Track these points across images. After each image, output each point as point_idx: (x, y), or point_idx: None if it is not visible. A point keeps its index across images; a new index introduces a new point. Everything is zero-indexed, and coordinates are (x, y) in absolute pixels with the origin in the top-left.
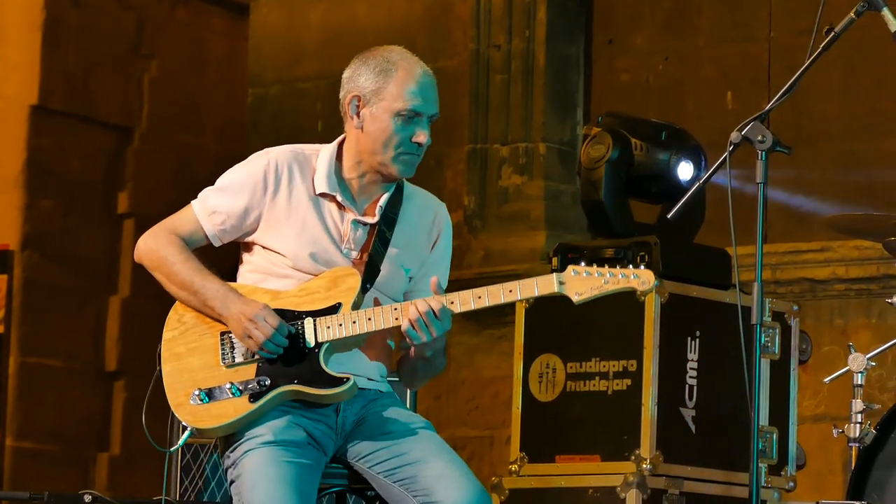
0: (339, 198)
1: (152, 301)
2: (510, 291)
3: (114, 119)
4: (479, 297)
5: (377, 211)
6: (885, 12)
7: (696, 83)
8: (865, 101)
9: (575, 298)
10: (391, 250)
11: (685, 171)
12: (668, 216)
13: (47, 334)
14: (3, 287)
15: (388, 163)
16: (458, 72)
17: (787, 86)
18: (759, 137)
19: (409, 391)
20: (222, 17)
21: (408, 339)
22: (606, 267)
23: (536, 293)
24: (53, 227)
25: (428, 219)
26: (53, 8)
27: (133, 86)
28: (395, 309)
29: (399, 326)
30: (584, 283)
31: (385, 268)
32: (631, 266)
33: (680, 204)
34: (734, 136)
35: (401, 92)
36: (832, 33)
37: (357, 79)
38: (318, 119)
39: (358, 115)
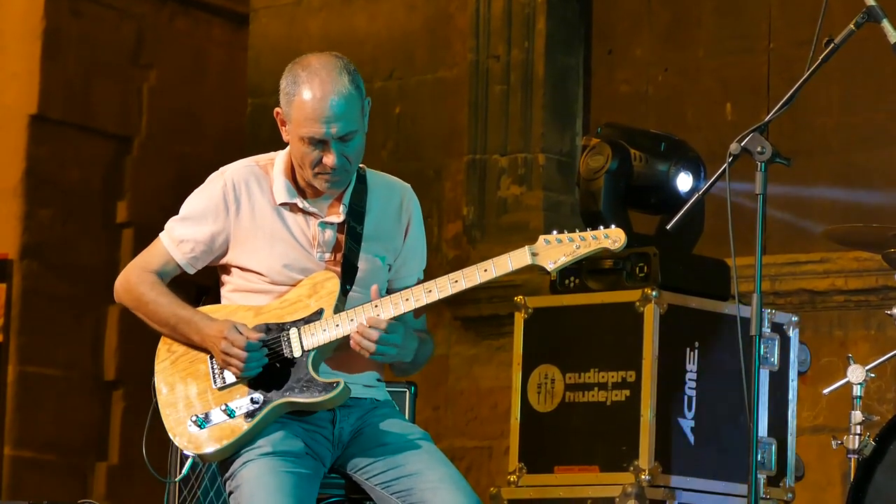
0: (300, 204)
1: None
2: (485, 271)
3: (113, 128)
4: (456, 282)
5: (341, 209)
6: (885, 24)
7: (695, 94)
8: (864, 113)
9: (550, 267)
10: (365, 245)
11: (684, 182)
12: (668, 227)
13: (46, 343)
14: (2, 296)
15: (311, 180)
16: (457, 82)
17: (786, 97)
18: (759, 148)
19: (407, 401)
20: (222, 27)
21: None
22: (577, 231)
23: (511, 268)
24: (52, 237)
25: (395, 204)
26: (53, 17)
27: (132, 95)
28: (376, 306)
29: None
30: (556, 250)
31: (362, 264)
32: (601, 227)
33: (679, 215)
34: (733, 147)
35: (300, 118)
36: (832, 45)
37: (280, 93)
38: None
39: (285, 128)
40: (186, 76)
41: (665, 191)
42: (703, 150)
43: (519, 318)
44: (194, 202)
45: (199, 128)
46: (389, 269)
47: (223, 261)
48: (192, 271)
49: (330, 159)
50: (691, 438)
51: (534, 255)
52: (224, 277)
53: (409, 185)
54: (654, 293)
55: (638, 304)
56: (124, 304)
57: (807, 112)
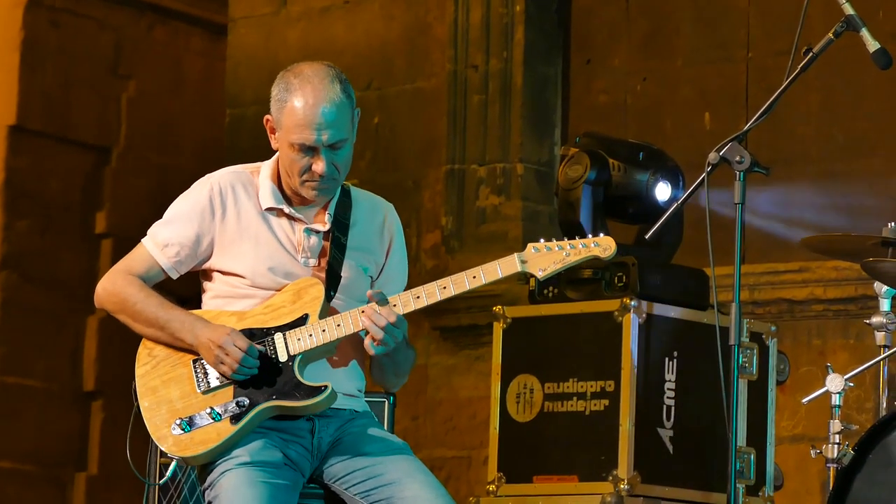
0: (286, 209)
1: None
2: (474, 277)
3: (92, 139)
4: (445, 288)
5: (327, 218)
6: (864, 33)
7: (674, 104)
8: (844, 122)
9: (539, 274)
10: (349, 254)
11: (663, 191)
12: (646, 236)
13: (25, 354)
14: None
15: (298, 188)
16: (435, 92)
17: (765, 106)
18: (738, 158)
19: (386, 410)
20: (200, 38)
21: (372, 356)
22: (566, 240)
23: (500, 275)
24: (31, 248)
25: (378, 221)
26: (32, 28)
27: (111, 106)
28: (363, 312)
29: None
30: (546, 258)
31: (346, 272)
32: (590, 235)
33: (658, 224)
34: (712, 156)
35: (291, 124)
36: (810, 54)
37: (270, 101)
38: None
39: (274, 136)
40: (165, 86)
41: (644, 200)
42: (682, 159)
43: (498, 328)
44: (180, 206)
45: (178, 138)
46: (371, 281)
47: (206, 265)
48: (175, 276)
49: (319, 166)
50: (670, 448)
51: (523, 262)
52: (206, 284)
53: (391, 205)
54: (632, 303)
55: (617, 313)
56: (105, 309)
57: (786, 121)
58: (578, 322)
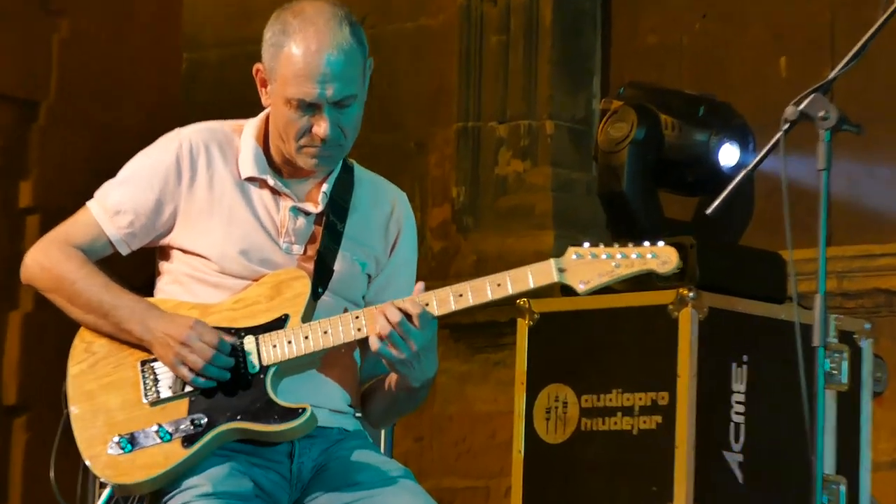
0: (271, 181)
1: (62, 317)
2: (499, 286)
3: (14, 90)
4: (461, 296)
5: (321, 197)
6: None
7: (741, 46)
8: None
9: (580, 288)
10: (345, 244)
11: (728, 155)
12: (708, 212)
13: None
14: None
15: (293, 154)
16: (443, 32)
17: (855, 49)
18: (821, 113)
19: (383, 430)
20: None
21: (384, 360)
22: (616, 246)
23: (531, 285)
24: None
25: (383, 211)
26: None
27: (39, 49)
28: (357, 317)
29: (363, 339)
30: (589, 268)
31: (339, 266)
32: (647, 243)
33: (722, 196)
34: (790, 111)
35: (288, 75)
36: None
37: (262, 45)
38: None
39: (266, 89)
40: (106, 26)
41: (704, 166)
42: (752, 115)
43: (522, 326)
44: (139, 164)
45: (123, 90)
46: (369, 280)
47: (165, 241)
48: (126, 251)
49: (322, 128)
50: (739, 476)
51: (561, 270)
52: (162, 265)
53: (403, 194)
54: (691, 294)
55: (671, 307)
56: (35, 286)
57: (881, 67)
58: (623, 318)
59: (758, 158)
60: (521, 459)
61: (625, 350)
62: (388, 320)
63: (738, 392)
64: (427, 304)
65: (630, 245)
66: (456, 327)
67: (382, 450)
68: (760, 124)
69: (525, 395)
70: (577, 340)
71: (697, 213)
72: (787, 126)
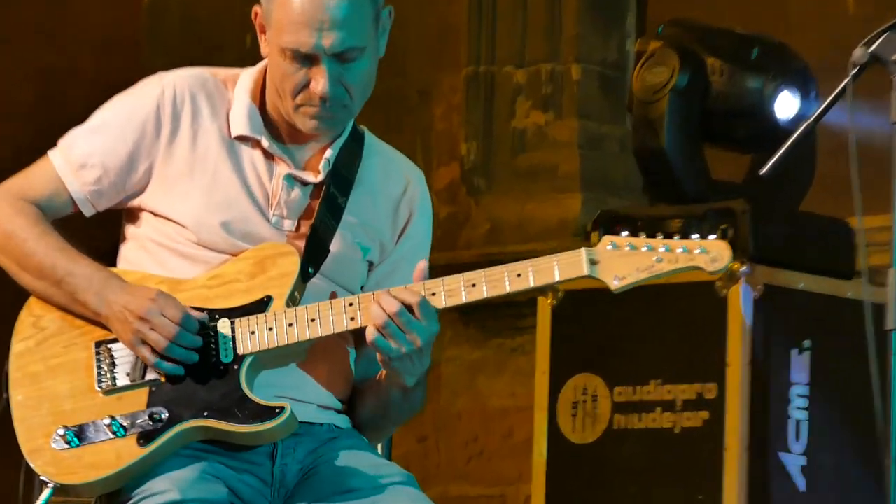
0: (265, 143)
1: (9, 283)
2: (518, 276)
3: None
4: (474, 286)
5: (322, 165)
6: None
7: None
8: None
9: (614, 285)
10: (345, 222)
11: (787, 104)
12: (762, 171)
13: None
14: None
15: (291, 114)
16: None
17: None
18: (895, 57)
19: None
20: None
21: (378, 355)
22: (660, 237)
23: (557, 277)
24: None
25: (395, 188)
26: None
27: None
28: (351, 304)
29: (355, 330)
30: (626, 261)
31: (337, 247)
32: (696, 236)
33: (779, 153)
34: (859, 54)
35: (284, 21)
36: None
37: None
38: (247, 31)
39: (264, 36)
40: None
41: (758, 118)
42: (814, 58)
43: (544, 306)
44: (113, 110)
45: (72, 28)
46: (370, 268)
47: (135, 202)
48: (90, 211)
49: (319, 84)
50: (800, 483)
51: (593, 262)
52: (129, 229)
53: (420, 171)
54: (743, 268)
55: (720, 284)
56: None
57: None
58: (664, 296)
59: (821, 109)
60: (542, 463)
61: (665, 334)
62: (383, 310)
63: (799, 384)
64: (433, 294)
65: (676, 237)
66: (465, 307)
67: (380, 451)
68: (824, 69)
69: (548, 386)
70: (608, 322)
71: (750, 174)
72: (855, 71)
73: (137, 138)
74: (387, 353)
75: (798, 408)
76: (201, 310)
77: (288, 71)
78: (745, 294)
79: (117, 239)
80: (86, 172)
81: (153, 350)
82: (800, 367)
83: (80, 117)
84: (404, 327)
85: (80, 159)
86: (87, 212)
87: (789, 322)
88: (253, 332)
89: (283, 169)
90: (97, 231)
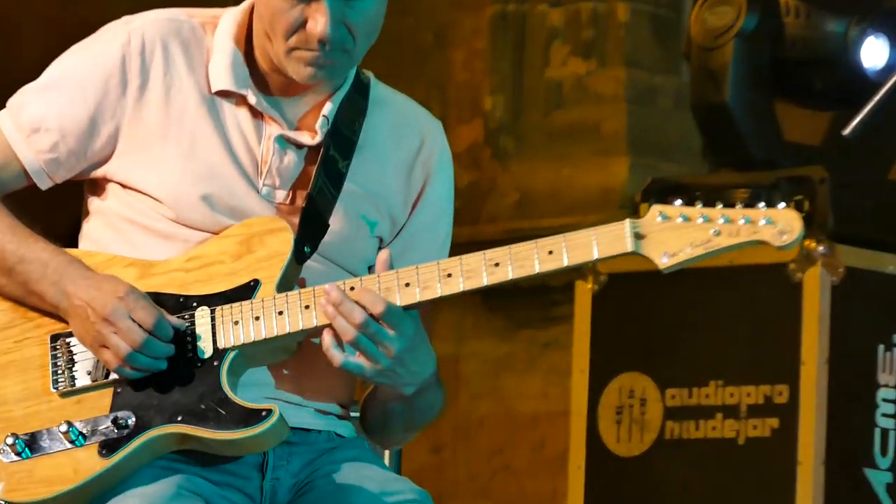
0: (251, 99)
1: None
2: (550, 253)
3: None
4: (497, 265)
5: (320, 124)
6: None
7: None
8: None
9: (662, 263)
10: (347, 190)
11: (875, 53)
12: (845, 132)
13: None
14: None
15: (282, 59)
16: None
17: None
18: None
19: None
20: None
21: (354, 373)
22: (720, 207)
23: (596, 255)
24: None
25: (408, 147)
26: None
27: None
28: (353, 288)
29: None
30: (678, 234)
31: (338, 222)
32: (763, 205)
33: (865, 110)
34: None
35: None
36: None
37: None
38: None
39: None
40: None
41: (840, 68)
42: None
43: (584, 292)
44: (70, 64)
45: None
46: (380, 243)
47: (99, 173)
48: (45, 184)
49: (319, 24)
50: (887, 503)
51: (638, 237)
52: (93, 202)
53: (438, 122)
54: (821, 248)
55: (793, 266)
56: None
57: None
58: (726, 281)
59: None
60: (580, 478)
61: (727, 326)
62: (349, 323)
63: (887, 386)
64: (449, 276)
65: (738, 206)
66: (490, 293)
67: (388, 463)
68: None
69: (587, 388)
70: (658, 312)
71: (830, 135)
72: None
73: (100, 97)
74: (359, 373)
75: (884, 414)
76: (177, 297)
77: (281, 7)
78: (824, 279)
79: (78, 217)
80: (39, 138)
81: (116, 355)
82: (887, 366)
83: (27, 77)
84: (374, 338)
85: (32, 123)
86: (43, 185)
87: (875, 313)
88: (237, 323)
89: (273, 129)
90: (55, 209)
